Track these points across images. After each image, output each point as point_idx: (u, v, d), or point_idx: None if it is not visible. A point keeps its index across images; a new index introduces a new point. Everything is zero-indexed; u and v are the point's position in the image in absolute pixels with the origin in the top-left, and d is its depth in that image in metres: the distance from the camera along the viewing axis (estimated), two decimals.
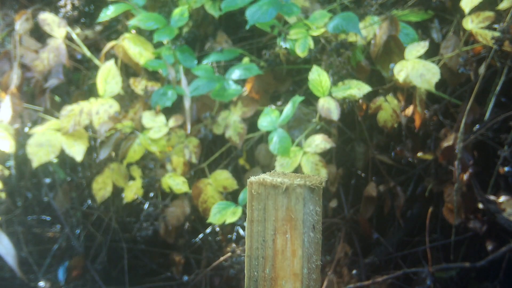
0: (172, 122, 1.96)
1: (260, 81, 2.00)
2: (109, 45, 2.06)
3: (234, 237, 2.12)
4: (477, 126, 1.83)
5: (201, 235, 2.22)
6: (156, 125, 1.96)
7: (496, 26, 1.71)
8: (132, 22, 2.01)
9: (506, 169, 1.73)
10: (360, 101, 1.87)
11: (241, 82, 1.98)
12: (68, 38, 2.11)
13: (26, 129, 2.11)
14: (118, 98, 1.99)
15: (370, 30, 1.87)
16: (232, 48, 2.06)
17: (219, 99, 1.95)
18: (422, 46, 1.76)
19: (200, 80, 1.94)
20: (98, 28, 2.26)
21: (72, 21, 2.23)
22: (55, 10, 2.24)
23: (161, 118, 1.97)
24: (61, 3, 2.24)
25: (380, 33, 1.83)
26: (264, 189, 0.89)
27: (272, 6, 1.79)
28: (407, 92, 1.87)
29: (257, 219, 0.92)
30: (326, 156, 1.90)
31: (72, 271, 2.24)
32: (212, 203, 1.86)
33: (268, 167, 1.97)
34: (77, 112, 1.92)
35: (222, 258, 1.95)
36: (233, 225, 2.07)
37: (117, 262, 2.35)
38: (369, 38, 1.87)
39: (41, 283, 2.25)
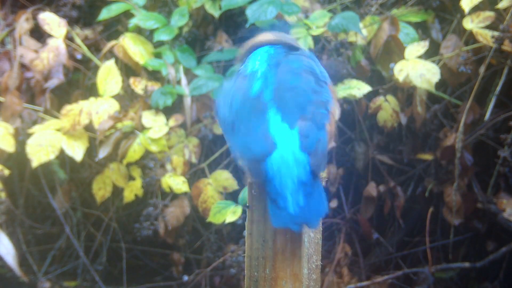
0: (172, 121, 1.96)
1: None
2: (109, 45, 2.05)
3: (234, 237, 2.12)
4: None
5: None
6: (156, 124, 1.95)
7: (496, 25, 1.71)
8: (132, 21, 2.01)
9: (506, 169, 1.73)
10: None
11: None
12: (68, 37, 2.11)
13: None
14: (118, 97, 1.99)
15: (370, 30, 1.86)
16: (232, 48, 2.06)
17: None
18: (422, 46, 1.76)
19: (200, 80, 1.94)
20: (98, 28, 2.26)
21: (72, 21, 2.22)
22: (55, 9, 2.23)
23: (161, 117, 1.97)
24: (61, 2, 2.24)
25: (380, 33, 1.83)
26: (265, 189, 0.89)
27: (273, 5, 1.79)
28: (407, 92, 1.87)
29: (257, 219, 0.92)
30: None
31: None
32: (212, 203, 1.86)
33: None
34: (77, 111, 1.92)
35: (222, 258, 1.94)
36: (233, 224, 2.06)
37: (117, 262, 2.35)
38: (369, 38, 1.87)
39: (41, 283, 2.24)
